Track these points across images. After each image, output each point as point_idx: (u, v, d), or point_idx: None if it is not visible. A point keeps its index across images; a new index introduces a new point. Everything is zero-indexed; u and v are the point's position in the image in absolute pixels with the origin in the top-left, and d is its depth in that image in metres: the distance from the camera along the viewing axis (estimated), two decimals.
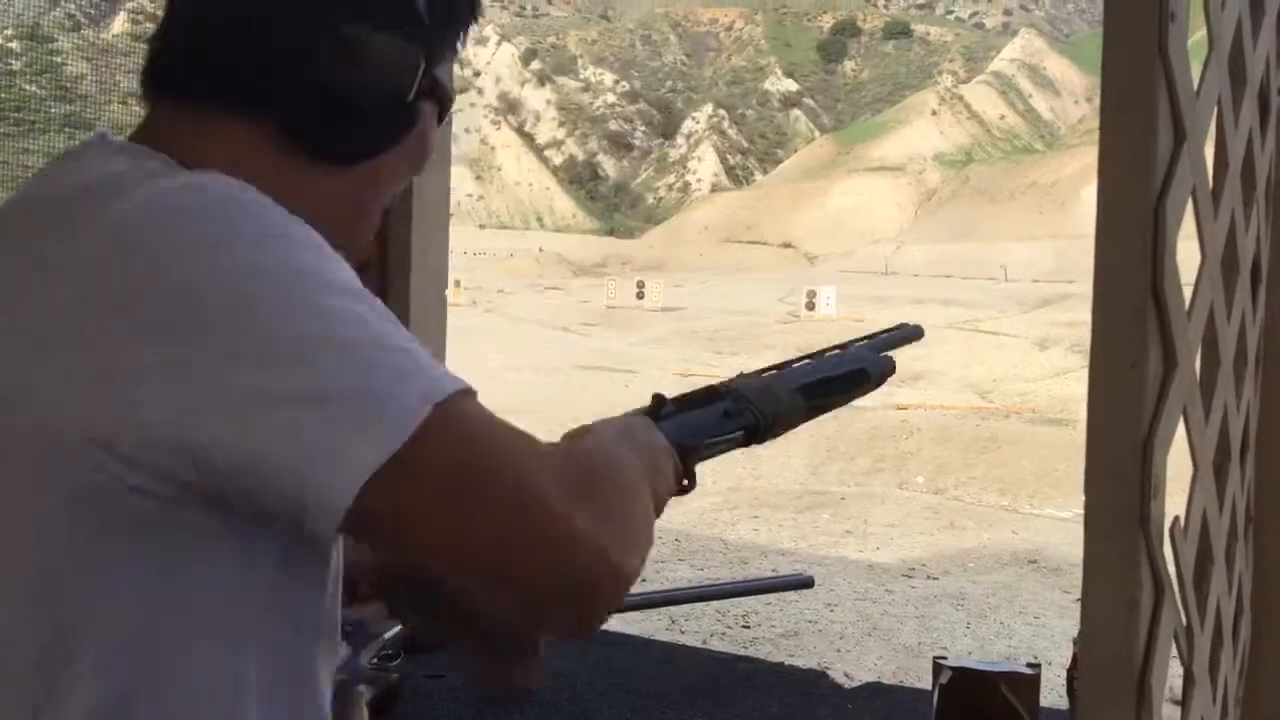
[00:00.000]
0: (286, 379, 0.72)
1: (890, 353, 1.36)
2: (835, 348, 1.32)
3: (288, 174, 0.87)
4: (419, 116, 0.92)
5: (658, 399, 1.08)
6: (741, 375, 1.21)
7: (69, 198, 0.80)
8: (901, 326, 1.40)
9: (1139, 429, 0.72)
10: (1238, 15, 0.86)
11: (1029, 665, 1.04)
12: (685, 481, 1.05)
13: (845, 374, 1.28)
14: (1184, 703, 0.83)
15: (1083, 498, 0.74)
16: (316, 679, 0.87)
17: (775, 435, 1.18)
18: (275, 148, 0.87)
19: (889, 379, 1.33)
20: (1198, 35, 0.90)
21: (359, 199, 0.93)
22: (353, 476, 0.72)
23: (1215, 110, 0.84)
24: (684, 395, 1.13)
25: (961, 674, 1.03)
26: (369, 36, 0.86)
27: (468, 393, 0.77)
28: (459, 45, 0.96)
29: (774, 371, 1.24)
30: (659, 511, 0.94)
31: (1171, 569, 0.77)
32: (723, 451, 1.13)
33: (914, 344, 1.41)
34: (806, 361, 1.28)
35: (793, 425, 1.20)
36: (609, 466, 0.86)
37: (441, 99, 0.95)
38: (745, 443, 1.16)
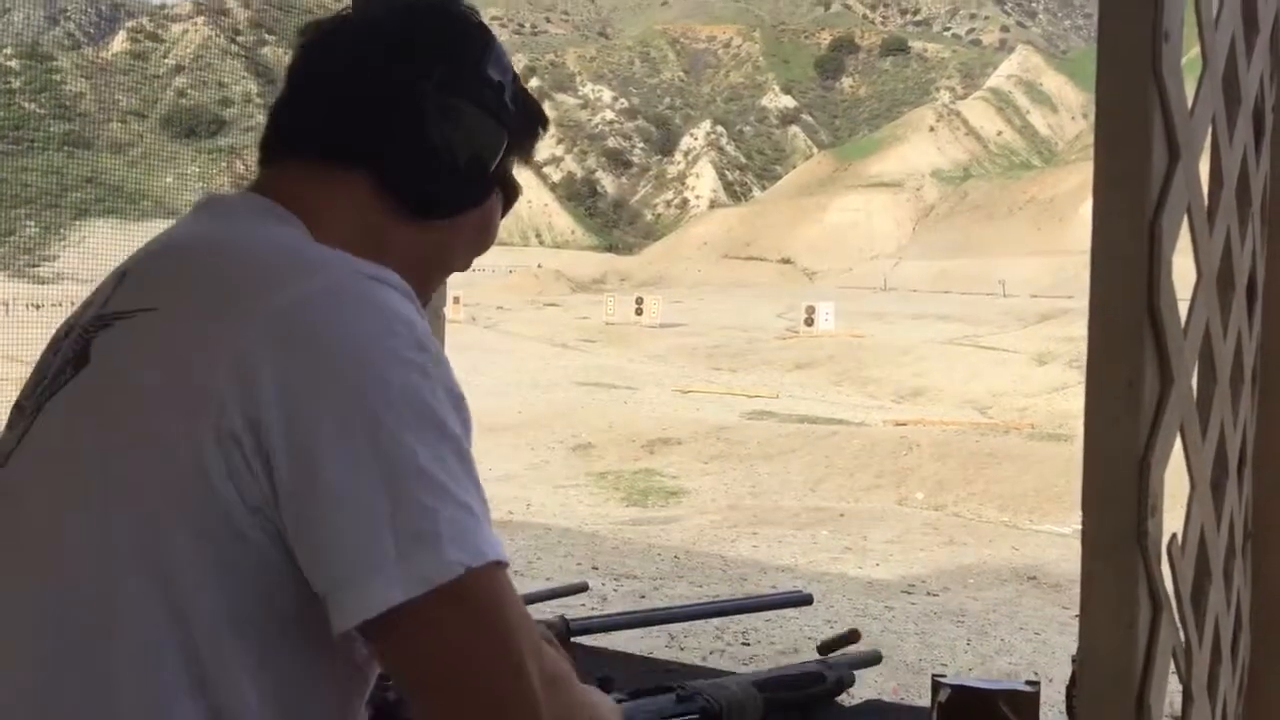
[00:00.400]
0: (373, 499, 0.81)
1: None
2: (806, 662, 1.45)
3: (384, 223, 0.98)
4: (493, 192, 1.05)
5: (603, 681, 1.15)
6: (700, 680, 1.31)
7: (233, 274, 0.89)
8: (860, 652, 1.54)
9: (1136, 447, 0.72)
10: (1231, 34, 0.87)
11: (1028, 683, 1.04)
12: None
13: (801, 674, 1.39)
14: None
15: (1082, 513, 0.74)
16: None
17: None
18: (376, 199, 0.98)
19: (847, 689, 1.44)
20: (1192, 52, 0.91)
21: (434, 258, 1.04)
22: (372, 602, 0.80)
23: (1210, 128, 0.85)
24: (641, 688, 1.23)
25: (960, 692, 1.03)
26: (466, 107, 1.00)
27: (501, 563, 0.84)
28: (529, 147, 1.09)
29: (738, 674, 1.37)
30: None
31: (1170, 586, 0.77)
32: None
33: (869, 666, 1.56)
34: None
35: (751, 715, 1.28)
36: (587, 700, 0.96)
37: (509, 190, 1.08)
38: None
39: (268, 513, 0.82)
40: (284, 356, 0.82)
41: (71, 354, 0.91)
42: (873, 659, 1.58)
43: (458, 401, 0.88)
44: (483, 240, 1.07)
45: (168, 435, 0.82)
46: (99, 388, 0.88)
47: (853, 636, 1.54)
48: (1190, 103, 0.79)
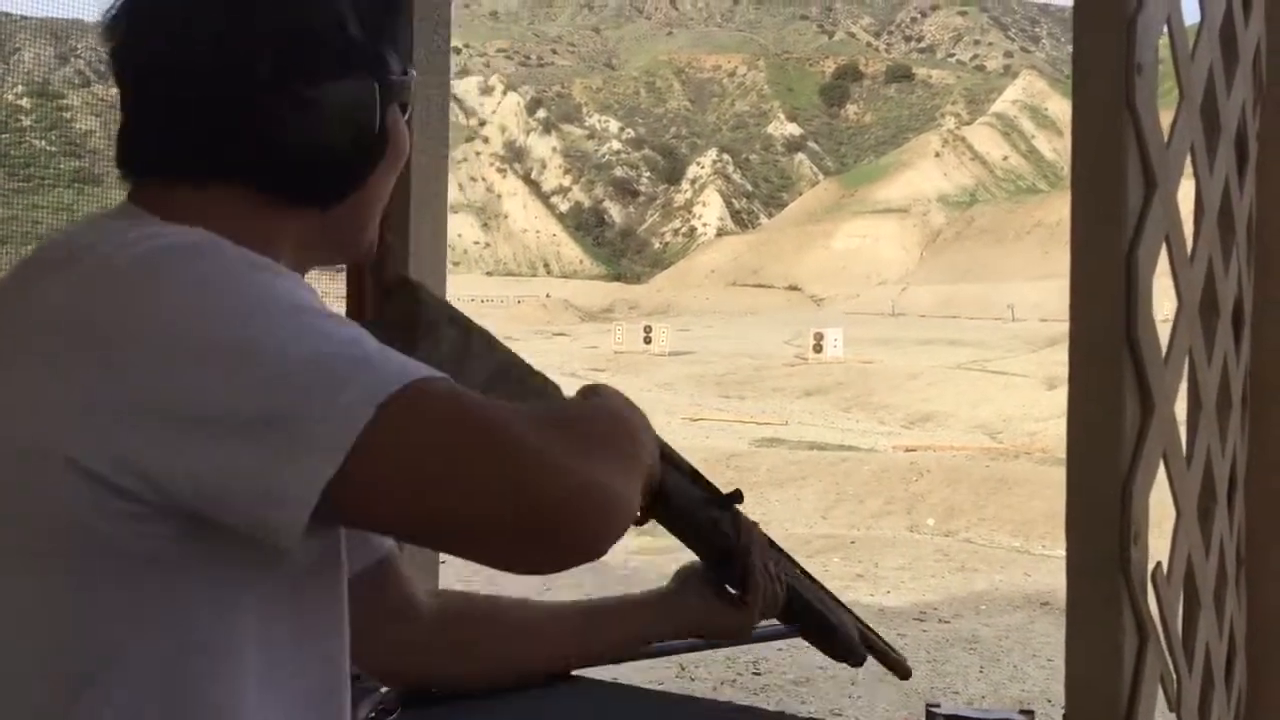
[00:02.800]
0: (227, 405, 0.73)
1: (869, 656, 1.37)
2: (845, 610, 1.34)
3: (275, 223, 0.89)
4: (389, 132, 0.92)
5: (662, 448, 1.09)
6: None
7: (66, 253, 0.84)
8: (893, 653, 1.43)
9: (1117, 475, 0.72)
10: (1209, 64, 0.88)
11: (1022, 713, 1.04)
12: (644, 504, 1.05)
13: (826, 621, 1.30)
14: None
15: None
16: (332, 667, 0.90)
17: (746, 593, 1.21)
18: (257, 203, 0.88)
19: (851, 662, 1.35)
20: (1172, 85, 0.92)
21: (358, 219, 0.95)
22: (303, 500, 0.73)
23: (1189, 158, 0.86)
24: (693, 470, 1.17)
25: None
26: (318, 87, 0.86)
27: (424, 380, 0.76)
28: (401, 35, 0.94)
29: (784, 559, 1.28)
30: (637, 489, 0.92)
31: (1157, 614, 0.77)
32: (684, 536, 1.16)
33: (894, 672, 1.45)
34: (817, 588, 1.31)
35: (770, 609, 1.23)
36: (591, 410, 0.89)
37: (405, 93, 0.94)
38: (707, 557, 1.20)
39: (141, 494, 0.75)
40: (63, 355, 0.76)
41: None
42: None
43: (307, 291, 0.81)
44: (399, 161, 0.96)
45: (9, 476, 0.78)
46: None
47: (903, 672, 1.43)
48: (1167, 134, 0.79)
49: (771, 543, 1.24)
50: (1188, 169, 0.88)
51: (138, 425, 0.74)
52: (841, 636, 1.29)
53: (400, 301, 0.99)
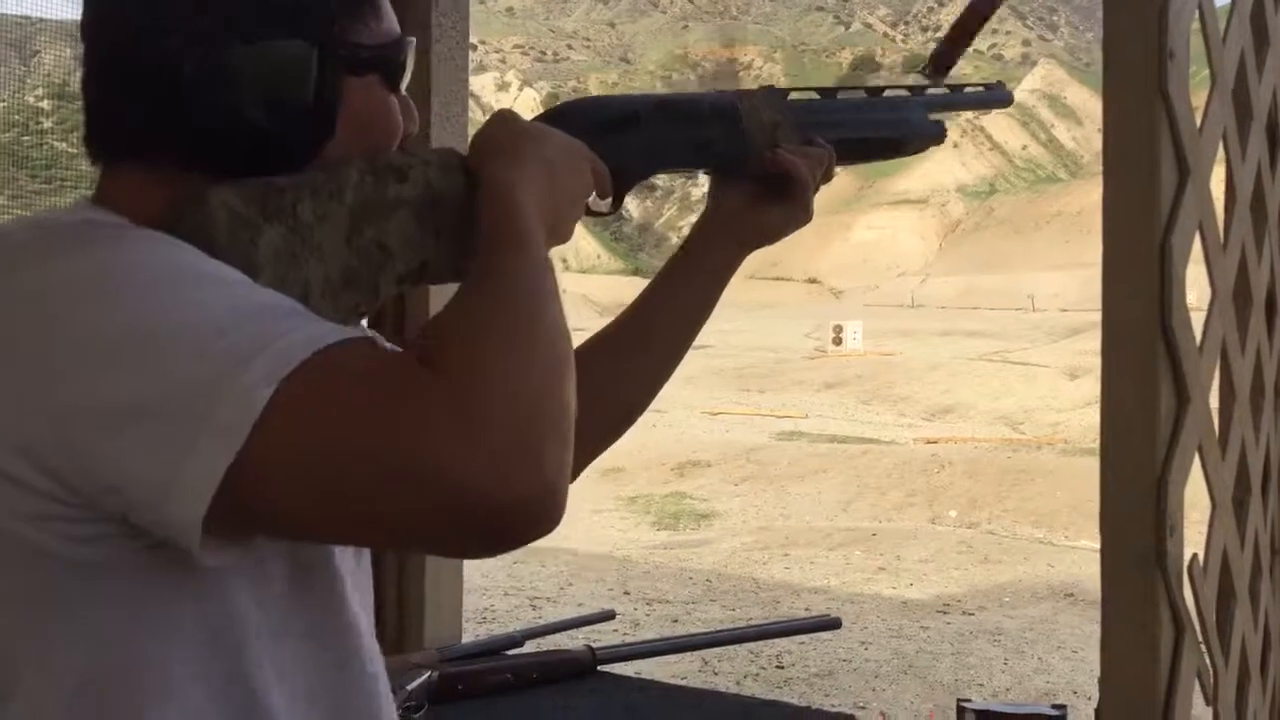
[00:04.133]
0: (107, 393, 0.68)
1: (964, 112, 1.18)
2: (904, 89, 1.13)
3: None
4: (339, 101, 0.84)
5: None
6: (774, 90, 1.08)
7: None
8: (980, 87, 1.12)
9: (1153, 467, 0.71)
10: (1240, 50, 0.86)
11: (1054, 707, 1.03)
12: (606, 203, 0.97)
13: (876, 140, 1.10)
14: None
15: None
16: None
17: (787, 188, 1.10)
18: (198, 185, 0.81)
19: (931, 138, 1.11)
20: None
21: None
22: (196, 497, 0.66)
23: (1221, 145, 0.84)
24: (688, 100, 1.03)
25: (986, 716, 1.02)
26: (237, 55, 0.80)
27: (341, 347, 0.69)
28: (371, 7, 0.87)
29: (815, 99, 1.11)
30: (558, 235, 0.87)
31: (1193, 607, 0.76)
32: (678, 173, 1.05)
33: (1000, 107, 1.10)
34: (859, 96, 1.12)
35: (822, 174, 1.11)
36: (501, 368, 0.70)
37: (380, 63, 0.87)
38: (727, 175, 1.08)
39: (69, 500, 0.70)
40: None
41: None
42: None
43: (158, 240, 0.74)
44: (383, 139, 0.88)
45: None
46: None
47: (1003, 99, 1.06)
48: (1199, 120, 0.78)
49: (782, 98, 1.08)
50: (1219, 156, 0.86)
51: (35, 420, 0.69)
52: (913, 137, 1.08)
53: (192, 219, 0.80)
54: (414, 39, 0.91)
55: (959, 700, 1.04)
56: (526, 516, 0.69)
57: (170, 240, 0.75)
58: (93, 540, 0.72)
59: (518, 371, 0.70)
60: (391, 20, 0.90)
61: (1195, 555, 0.76)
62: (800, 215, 1.13)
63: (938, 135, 1.09)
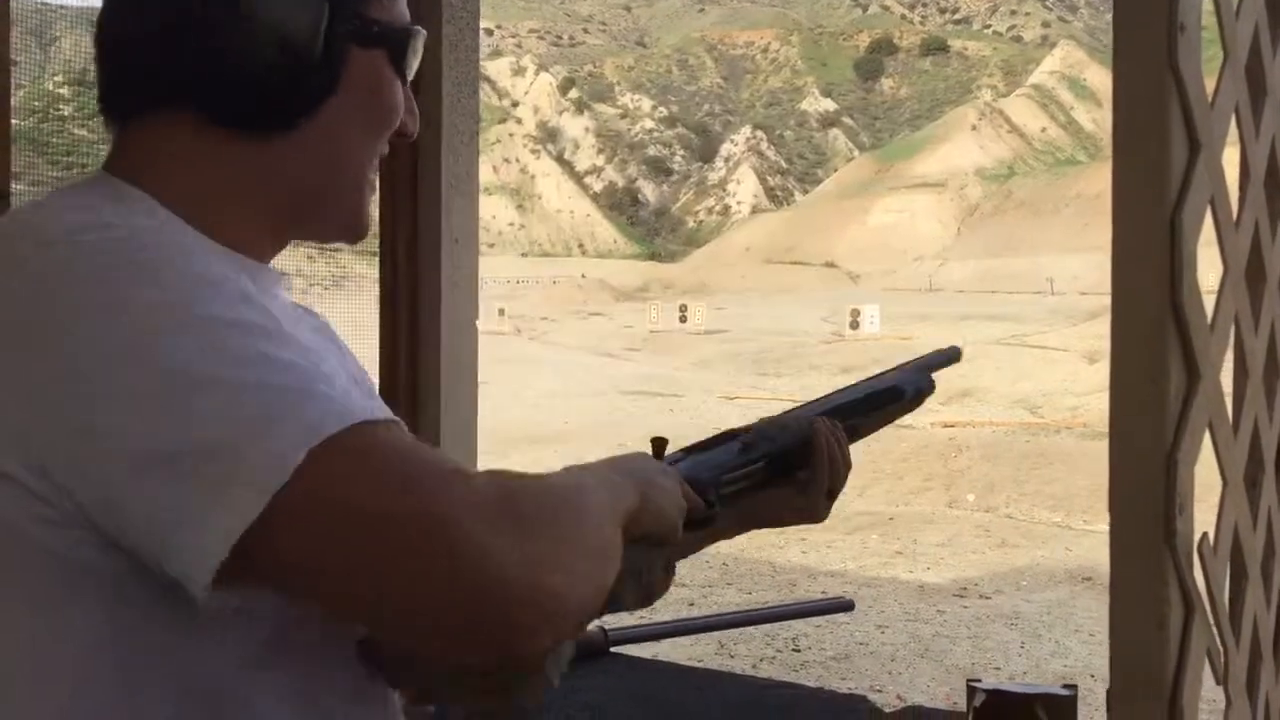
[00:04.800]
0: (140, 433, 0.68)
1: (932, 374, 1.31)
2: (874, 376, 1.29)
3: (227, 158, 0.85)
4: (344, 63, 0.86)
5: (657, 442, 1.05)
6: (764, 419, 1.19)
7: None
8: (938, 351, 1.35)
9: (1162, 445, 0.71)
10: (1254, 24, 0.85)
11: (1065, 687, 1.03)
12: (709, 506, 1.02)
13: (878, 393, 1.24)
14: None
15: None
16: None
17: (808, 495, 1.16)
18: (206, 138, 0.84)
19: (928, 397, 1.29)
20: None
21: (323, 163, 0.88)
22: (212, 549, 0.66)
23: (1234, 120, 0.83)
24: (698, 442, 1.11)
25: (996, 696, 1.01)
26: (255, 2, 0.82)
27: (367, 425, 0.69)
28: None
29: (805, 404, 1.23)
30: (655, 525, 0.88)
31: (1203, 586, 0.76)
32: (752, 484, 1.11)
33: (954, 364, 1.36)
34: (842, 389, 1.27)
35: (833, 446, 1.16)
36: (544, 486, 0.75)
37: (389, 40, 0.89)
38: (774, 472, 1.14)
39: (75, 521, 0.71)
40: None
41: None
42: (952, 356, 1.37)
43: (201, 280, 0.74)
44: (380, 119, 0.90)
45: None
46: None
47: (954, 355, 1.33)
48: (1211, 95, 0.77)
49: (806, 416, 1.16)
50: (1232, 133, 0.85)
51: (57, 439, 0.70)
52: (905, 401, 1.23)
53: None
54: (424, 30, 0.93)
55: (969, 681, 1.03)
56: (536, 621, 0.70)
57: (202, 255, 0.76)
58: (76, 545, 0.72)
59: (564, 506, 0.75)
60: (403, 8, 0.92)
61: (1205, 534, 0.76)
62: (814, 516, 1.18)
63: (928, 386, 1.26)
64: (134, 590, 0.73)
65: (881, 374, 1.29)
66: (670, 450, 1.05)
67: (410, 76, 0.93)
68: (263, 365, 0.69)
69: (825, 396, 1.24)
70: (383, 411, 0.72)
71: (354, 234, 0.95)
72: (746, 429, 1.14)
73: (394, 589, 0.68)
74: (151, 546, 0.69)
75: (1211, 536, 0.77)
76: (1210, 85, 0.80)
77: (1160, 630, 0.70)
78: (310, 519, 0.67)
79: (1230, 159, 0.84)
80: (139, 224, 0.78)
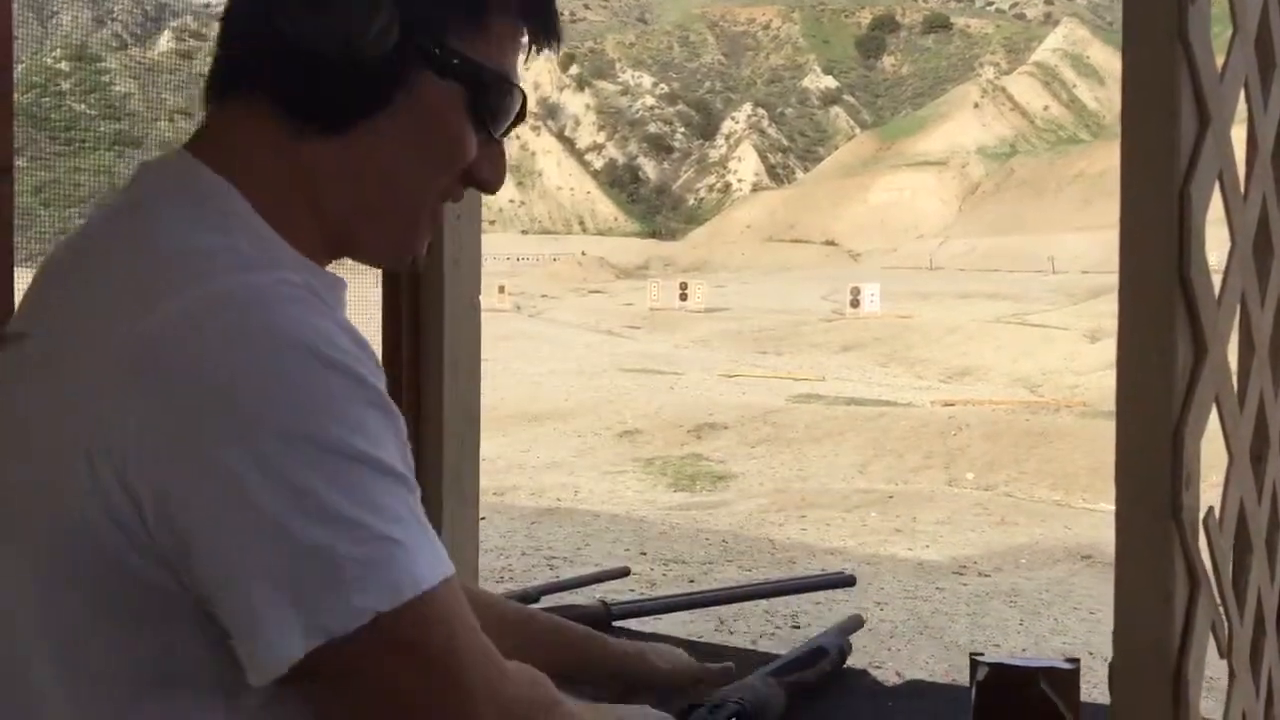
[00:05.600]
0: (251, 524, 0.73)
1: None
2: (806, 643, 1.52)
3: (289, 150, 0.88)
4: (411, 83, 0.88)
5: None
6: (729, 686, 1.35)
7: (107, 296, 0.82)
8: (849, 618, 1.65)
9: (1169, 418, 0.71)
10: None
11: (1068, 660, 1.03)
12: None
13: (808, 654, 1.46)
14: (1226, 697, 0.82)
15: None
16: None
17: (769, 718, 1.31)
18: (275, 126, 0.88)
19: (847, 653, 1.54)
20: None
21: (375, 177, 0.90)
22: (272, 663, 0.74)
23: (1243, 93, 0.83)
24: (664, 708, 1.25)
25: (999, 670, 1.02)
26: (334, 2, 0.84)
27: (431, 591, 0.77)
28: (499, 30, 0.91)
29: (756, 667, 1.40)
30: None
31: (1208, 561, 0.76)
32: None
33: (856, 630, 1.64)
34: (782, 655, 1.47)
35: (777, 705, 1.33)
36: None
37: (470, 80, 0.90)
38: None
39: (163, 557, 0.76)
40: (138, 398, 0.75)
41: None
42: (856, 624, 1.65)
43: (378, 415, 0.78)
44: (442, 152, 0.91)
45: (47, 476, 0.78)
46: None
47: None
48: (1220, 67, 0.77)
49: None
50: (1241, 108, 0.85)
51: (172, 475, 0.74)
52: (831, 658, 1.49)
53: None
54: (521, 91, 0.94)
55: (972, 655, 1.04)
56: None
57: (337, 359, 0.79)
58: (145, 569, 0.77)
59: None
60: (512, 68, 0.94)
61: (1211, 508, 0.76)
62: None
63: (848, 647, 1.54)
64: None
65: (810, 640, 1.53)
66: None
67: (495, 132, 0.94)
68: (385, 514, 0.76)
69: (769, 659, 1.43)
70: (439, 572, 0.78)
71: (400, 260, 0.96)
72: (705, 695, 1.30)
73: None
74: (230, 625, 0.76)
75: (1218, 511, 0.77)
76: (1219, 59, 0.79)
77: (1165, 604, 0.70)
78: (356, 674, 0.76)
79: (1236, 135, 0.84)
80: (323, 325, 0.79)
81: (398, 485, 0.77)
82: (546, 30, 0.95)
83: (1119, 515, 0.73)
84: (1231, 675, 0.80)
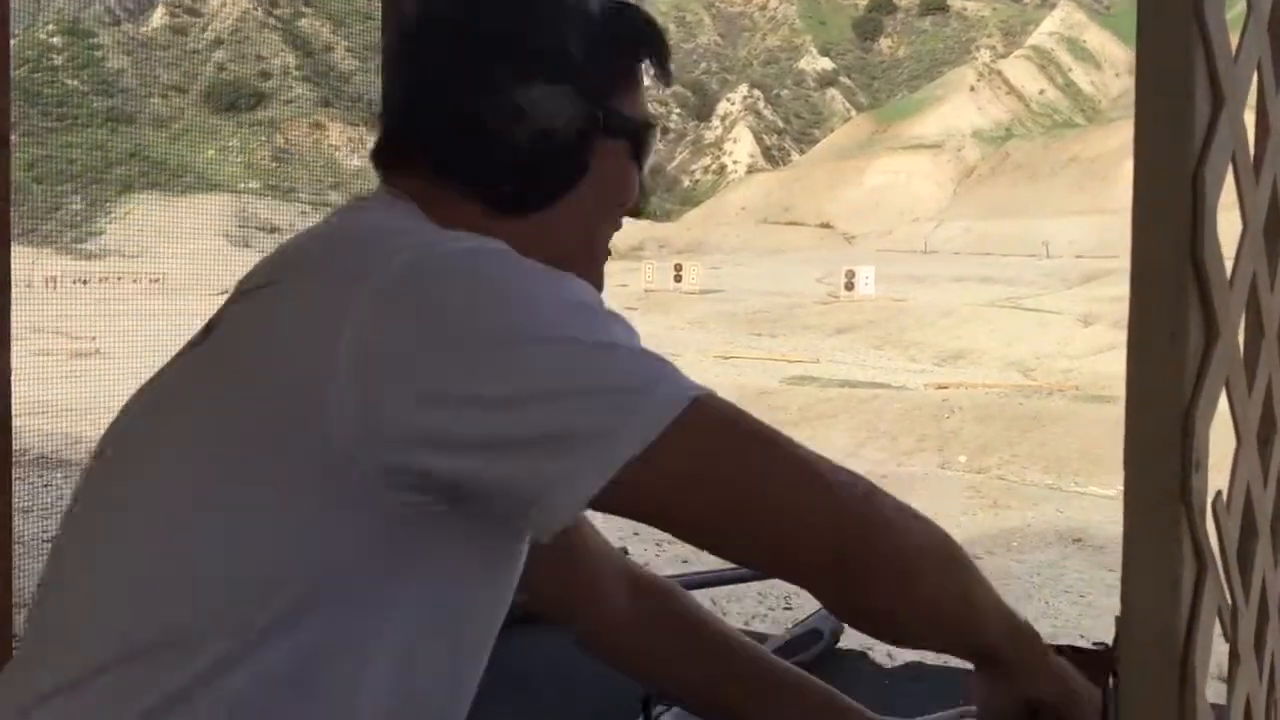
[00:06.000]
0: (532, 424, 0.81)
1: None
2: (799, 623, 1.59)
3: (484, 226, 0.94)
4: (591, 156, 0.98)
5: (648, 700, 1.21)
6: None
7: (349, 251, 0.90)
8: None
9: (1180, 401, 0.70)
10: None
11: (1095, 644, 1.03)
12: None
13: (804, 635, 1.52)
14: (1230, 681, 0.82)
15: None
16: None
17: None
18: (469, 208, 0.96)
19: (839, 634, 1.59)
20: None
21: (568, 238, 0.99)
22: (605, 466, 0.81)
23: (1256, 76, 0.82)
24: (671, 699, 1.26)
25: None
26: (528, 94, 0.94)
27: (714, 397, 0.86)
28: (628, 78, 1.02)
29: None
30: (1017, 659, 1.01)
31: (1215, 545, 0.76)
32: None
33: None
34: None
35: None
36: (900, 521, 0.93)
37: (631, 133, 1.01)
38: None
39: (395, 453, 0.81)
40: (394, 316, 0.82)
41: (206, 323, 0.95)
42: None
43: (608, 314, 0.89)
44: (617, 196, 1.03)
45: (279, 394, 0.83)
46: (219, 352, 0.91)
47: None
48: (1234, 48, 0.76)
49: None
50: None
51: (439, 409, 0.81)
52: (826, 640, 1.55)
53: None
54: (661, 124, 1.07)
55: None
56: (892, 583, 0.89)
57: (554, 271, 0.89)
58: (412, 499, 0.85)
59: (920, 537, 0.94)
60: (645, 104, 1.05)
61: (1220, 492, 0.75)
62: None
63: (840, 627, 1.57)
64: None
65: (802, 621, 1.59)
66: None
67: (645, 167, 1.06)
68: (627, 351, 0.86)
69: (762, 640, 1.47)
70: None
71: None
72: None
73: (770, 523, 0.86)
74: (518, 508, 0.83)
75: (1225, 494, 0.77)
76: (1233, 41, 0.79)
77: (1173, 588, 0.69)
78: (682, 458, 0.83)
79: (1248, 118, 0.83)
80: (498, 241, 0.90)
81: (629, 328, 0.88)
82: (665, 74, 1.08)
83: (1127, 499, 0.73)
84: (1236, 659, 0.80)
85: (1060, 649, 1.02)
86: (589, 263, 1.02)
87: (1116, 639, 1.10)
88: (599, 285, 1.01)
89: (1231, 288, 0.75)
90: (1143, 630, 0.72)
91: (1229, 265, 0.77)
